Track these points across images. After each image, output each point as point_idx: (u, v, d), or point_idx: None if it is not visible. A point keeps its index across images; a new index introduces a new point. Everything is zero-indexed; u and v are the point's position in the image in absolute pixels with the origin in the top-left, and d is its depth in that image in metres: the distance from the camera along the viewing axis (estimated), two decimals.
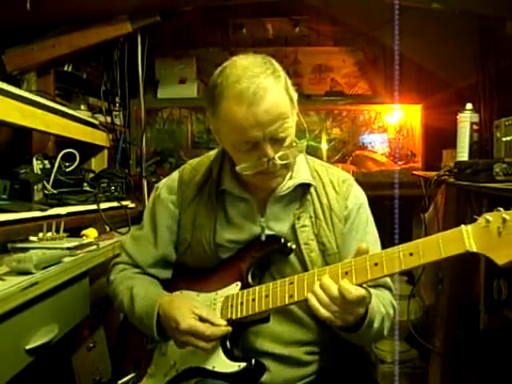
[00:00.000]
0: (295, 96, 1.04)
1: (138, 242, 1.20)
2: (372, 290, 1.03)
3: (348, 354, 1.12)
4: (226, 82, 0.97)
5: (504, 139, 1.60)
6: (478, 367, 1.62)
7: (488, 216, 0.81)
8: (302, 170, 1.13)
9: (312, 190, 1.11)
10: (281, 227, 1.10)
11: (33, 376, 1.17)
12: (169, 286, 1.16)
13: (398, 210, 1.75)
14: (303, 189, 1.12)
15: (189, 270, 1.16)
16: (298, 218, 1.09)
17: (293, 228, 1.09)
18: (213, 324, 1.00)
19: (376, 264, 0.88)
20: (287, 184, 1.10)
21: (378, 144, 2.93)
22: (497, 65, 1.96)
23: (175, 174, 1.21)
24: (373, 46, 2.83)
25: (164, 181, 1.23)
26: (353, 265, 0.91)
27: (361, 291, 0.88)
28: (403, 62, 2.41)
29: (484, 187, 1.39)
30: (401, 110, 2.87)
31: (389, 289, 1.10)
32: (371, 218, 1.16)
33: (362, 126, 2.95)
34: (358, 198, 1.15)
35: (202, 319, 1.00)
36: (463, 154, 1.79)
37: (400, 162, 2.81)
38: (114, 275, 1.20)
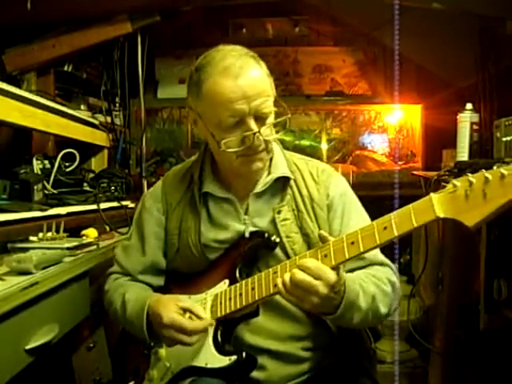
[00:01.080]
0: (273, 84, 1.07)
1: (127, 252, 1.22)
2: (364, 270, 1.05)
3: (345, 350, 1.11)
4: (212, 62, 1.02)
5: (504, 139, 1.59)
6: (478, 367, 1.62)
7: (455, 181, 0.81)
8: (280, 164, 1.14)
9: (292, 182, 1.13)
10: (264, 222, 1.11)
11: (33, 376, 1.17)
12: (162, 293, 1.16)
13: (398, 210, 1.74)
14: (283, 183, 1.13)
15: (180, 276, 1.17)
16: (279, 212, 1.10)
17: (273, 222, 1.10)
18: (196, 316, 1.01)
19: (353, 243, 0.89)
20: (265, 179, 1.12)
21: (378, 144, 2.93)
22: (497, 65, 1.96)
23: (159, 183, 1.24)
24: (373, 46, 2.83)
25: (149, 190, 1.26)
26: (331, 246, 0.91)
27: (315, 261, 0.90)
28: (403, 62, 2.41)
29: None
30: (401, 110, 2.87)
31: (386, 265, 1.10)
32: (356, 204, 1.16)
33: (362, 126, 2.95)
34: (340, 185, 1.15)
35: (186, 311, 1.02)
36: (463, 154, 1.79)
37: (400, 162, 2.81)
38: (108, 285, 1.21)
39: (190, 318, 1.03)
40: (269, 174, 1.13)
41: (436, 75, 2.62)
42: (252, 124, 1.01)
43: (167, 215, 1.18)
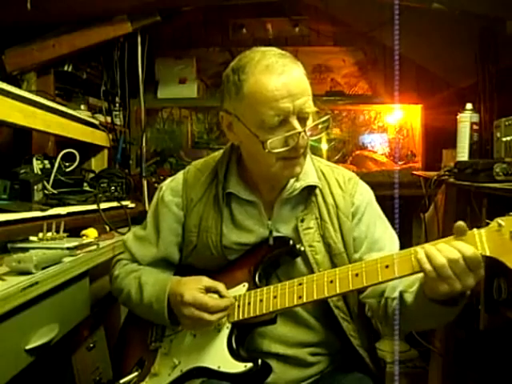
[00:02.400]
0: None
1: (140, 242, 1.20)
2: None
3: (353, 355, 1.11)
4: (252, 61, 0.99)
5: (504, 139, 1.60)
6: (478, 367, 1.62)
7: (500, 220, 0.81)
8: (309, 171, 1.12)
9: (317, 191, 1.11)
10: (287, 230, 1.10)
11: (33, 376, 1.17)
12: None
13: (398, 209, 1.74)
14: (309, 190, 1.11)
15: (195, 271, 1.14)
16: (302, 221, 1.08)
17: (296, 230, 1.08)
18: (220, 295, 1.01)
19: (387, 266, 0.88)
20: (294, 186, 1.09)
21: (377, 144, 2.93)
22: (497, 65, 1.96)
23: (179, 176, 1.20)
24: (373, 46, 2.83)
25: (168, 182, 1.21)
26: (363, 267, 0.91)
27: (476, 252, 0.82)
28: (403, 62, 2.42)
29: (484, 187, 1.39)
30: (401, 110, 2.86)
31: None
32: (381, 214, 1.15)
33: (361, 126, 2.94)
34: (365, 194, 1.14)
35: (208, 291, 1.01)
36: (463, 154, 1.79)
37: (400, 162, 2.81)
38: (119, 270, 1.19)
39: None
40: (297, 180, 1.10)
41: (436, 75, 2.62)
42: (296, 124, 0.98)
43: (186, 211, 1.15)
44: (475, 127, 1.79)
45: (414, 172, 2.33)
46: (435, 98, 2.62)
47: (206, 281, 1.03)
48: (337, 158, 2.87)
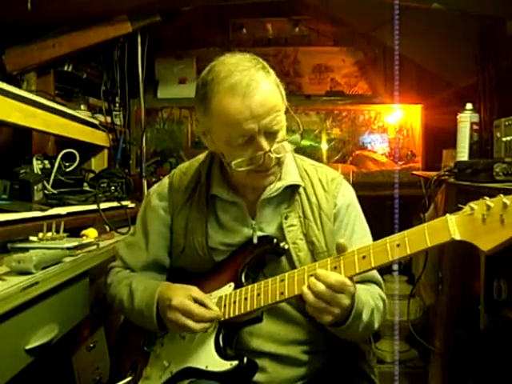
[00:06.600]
0: (284, 93, 1.04)
1: (130, 248, 1.21)
2: (360, 285, 1.03)
3: (345, 353, 1.12)
4: (217, 78, 0.97)
5: (504, 139, 1.59)
6: (478, 367, 1.62)
7: (473, 204, 0.81)
8: (291, 170, 1.13)
9: (301, 190, 1.12)
10: (272, 228, 1.11)
11: (33, 376, 1.17)
12: None
13: (398, 210, 1.75)
14: (292, 189, 1.12)
15: (185, 275, 1.16)
16: (286, 218, 1.09)
17: (280, 227, 1.09)
18: (205, 307, 1.01)
19: (364, 257, 0.89)
20: (276, 185, 1.10)
21: (378, 144, 2.93)
22: (497, 65, 1.96)
23: (165, 181, 1.22)
24: (373, 46, 2.83)
25: (154, 187, 1.24)
26: (341, 259, 0.92)
27: (339, 275, 0.89)
28: (403, 62, 2.41)
29: (484, 187, 1.39)
30: (401, 110, 2.87)
31: (377, 283, 1.11)
32: (361, 216, 1.16)
33: (361, 126, 2.95)
34: (347, 196, 1.15)
35: (196, 301, 1.02)
36: (463, 154, 1.79)
37: (400, 162, 2.81)
38: (111, 278, 1.21)
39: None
40: (279, 179, 1.10)
41: (436, 75, 2.62)
42: (263, 142, 0.97)
43: (173, 215, 1.17)
44: (475, 127, 1.79)
45: (414, 172, 2.33)
46: (435, 98, 2.62)
47: (196, 291, 1.04)
48: (337, 157, 2.88)
